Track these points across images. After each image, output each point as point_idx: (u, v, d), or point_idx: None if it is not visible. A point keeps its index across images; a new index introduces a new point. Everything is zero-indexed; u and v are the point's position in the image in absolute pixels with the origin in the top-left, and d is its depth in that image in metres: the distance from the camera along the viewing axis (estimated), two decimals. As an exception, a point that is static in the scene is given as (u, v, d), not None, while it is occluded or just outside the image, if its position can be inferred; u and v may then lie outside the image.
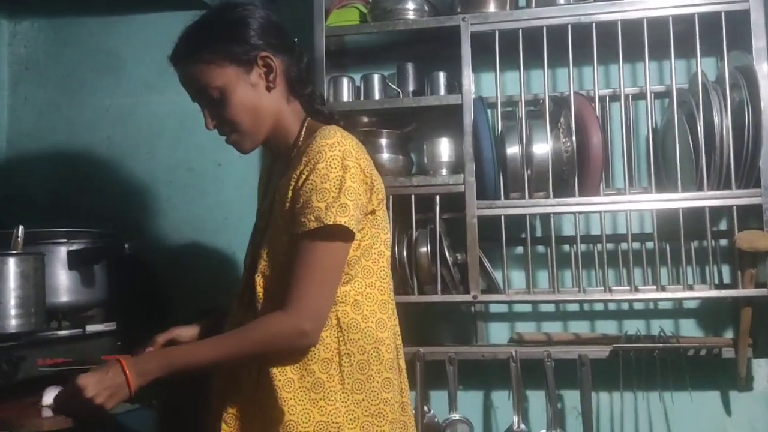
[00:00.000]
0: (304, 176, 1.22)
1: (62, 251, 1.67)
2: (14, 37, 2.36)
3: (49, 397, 1.26)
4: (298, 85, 1.36)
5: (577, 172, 1.81)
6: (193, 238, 2.21)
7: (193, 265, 2.19)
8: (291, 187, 1.24)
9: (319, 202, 1.20)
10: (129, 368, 1.19)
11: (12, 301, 1.44)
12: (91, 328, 1.66)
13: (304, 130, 1.34)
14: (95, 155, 2.26)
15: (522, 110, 1.84)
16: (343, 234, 1.22)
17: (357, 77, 2.04)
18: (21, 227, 1.52)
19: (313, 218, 1.19)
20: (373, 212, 1.30)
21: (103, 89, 2.28)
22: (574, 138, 1.79)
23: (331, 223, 1.19)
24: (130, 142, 2.25)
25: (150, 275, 2.07)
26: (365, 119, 2.04)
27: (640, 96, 1.95)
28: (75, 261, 1.66)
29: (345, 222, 1.19)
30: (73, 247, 1.67)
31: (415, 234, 1.87)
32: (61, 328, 1.64)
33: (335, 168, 1.21)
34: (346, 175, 1.21)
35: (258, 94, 1.30)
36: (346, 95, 1.99)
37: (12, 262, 1.46)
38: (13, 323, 1.44)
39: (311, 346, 1.22)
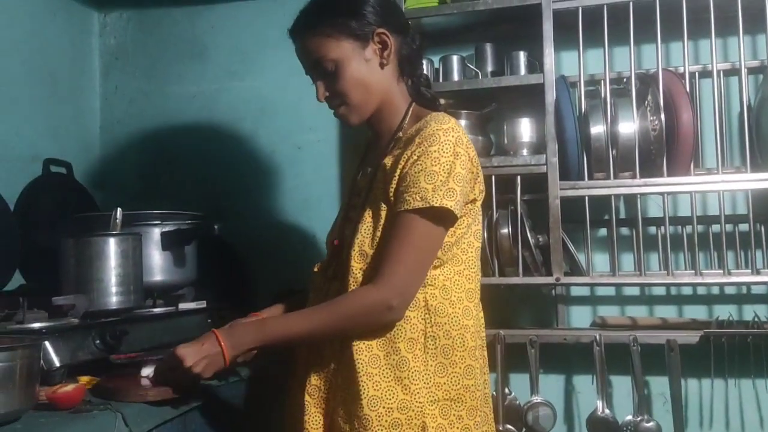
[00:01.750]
0: (414, 157, 1.23)
1: (156, 232, 1.73)
2: (104, 28, 2.46)
3: (147, 369, 1.32)
4: (409, 66, 1.38)
5: (666, 151, 1.75)
6: (275, 219, 2.27)
7: (275, 245, 2.24)
8: (400, 167, 1.25)
9: (427, 183, 1.21)
10: (224, 340, 1.24)
11: (113, 279, 1.52)
12: (183, 306, 1.73)
13: (410, 113, 1.35)
14: (182, 140, 2.34)
15: (606, 88, 1.80)
16: (446, 217, 1.23)
17: (435, 59, 2.03)
18: (119, 209, 1.59)
19: (419, 198, 1.20)
20: (473, 202, 1.31)
21: (188, 77, 2.36)
22: (662, 116, 1.73)
23: (437, 205, 1.20)
24: (214, 127, 2.32)
25: (235, 256, 2.14)
26: (443, 101, 2.01)
27: (732, 72, 1.87)
28: (168, 242, 1.73)
29: (451, 206, 1.20)
30: (167, 229, 1.74)
31: (495, 215, 1.86)
32: (156, 306, 1.70)
33: (447, 153, 1.22)
34: (456, 161, 1.22)
35: (371, 70, 1.32)
36: (425, 77, 1.98)
37: (112, 242, 1.53)
38: (114, 300, 1.52)
39: (396, 321, 1.24)
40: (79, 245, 1.53)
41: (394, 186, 1.25)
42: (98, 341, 1.37)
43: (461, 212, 1.25)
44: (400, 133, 1.33)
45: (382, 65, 1.33)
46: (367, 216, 1.29)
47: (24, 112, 2.09)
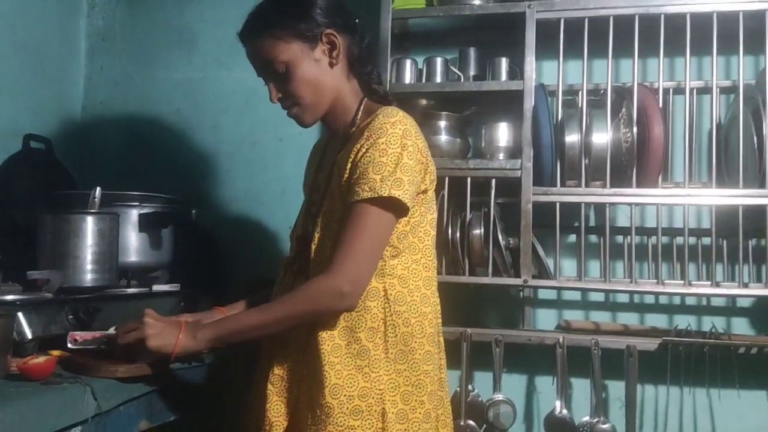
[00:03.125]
0: (364, 150, 1.28)
1: (134, 214, 1.75)
2: (92, 9, 2.46)
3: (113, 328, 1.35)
4: (359, 64, 1.42)
5: (636, 163, 1.81)
6: (252, 209, 2.29)
7: (251, 234, 2.27)
8: (351, 160, 1.29)
9: (375, 174, 1.25)
10: (183, 334, 1.26)
11: (89, 257, 1.54)
12: (157, 287, 1.75)
13: (362, 109, 1.40)
14: (164, 126, 2.35)
15: (584, 97, 1.85)
16: (396, 207, 1.27)
17: (420, 60, 2.07)
18: (98, 188, 1.61)
19: (367, 188, 1.24)
20: (425, 192, 1.35)
21: (174, 63, 2.37)
22: (635, 129, 1.79)
23: (385, 194, 1.24)
24: (198, 115, 2.34)
25: (211, 242, 2.16)
26: (425, 101, 2.07)
27: (705, 90, 1.93)
28: (145, 224, 1.75)
29: (399, 195, 1.24)
30: (145, 211, 1.76)
31: (469, 216, 1.91)
32: (130, 286, 1.72)
33: (394, 144, 1.26)
34: (404, 152, 1.26)
35: (321, 70, 1.36)
36: (408, 77, 2.02)
37: (90, 221, 1.55)
38: (89, 277, 1.54)
39: (350, 309, 1.27)
40: (56, 222, 1.55)
41: (346, 178, 1.29)
42: (71, 316, 1.39)
43: (412, 202, 1.29)
44: (353, 129, 1.37)
45: (331, 65, 1.37)
46: (326, 211, 1.34)
47: (6, 87, 2.09)
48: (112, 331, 1.34)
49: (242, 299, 1.57)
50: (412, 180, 1.27)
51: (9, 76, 2.10)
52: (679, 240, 1.87)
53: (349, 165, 1.30)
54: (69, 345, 1.34)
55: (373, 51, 1.54)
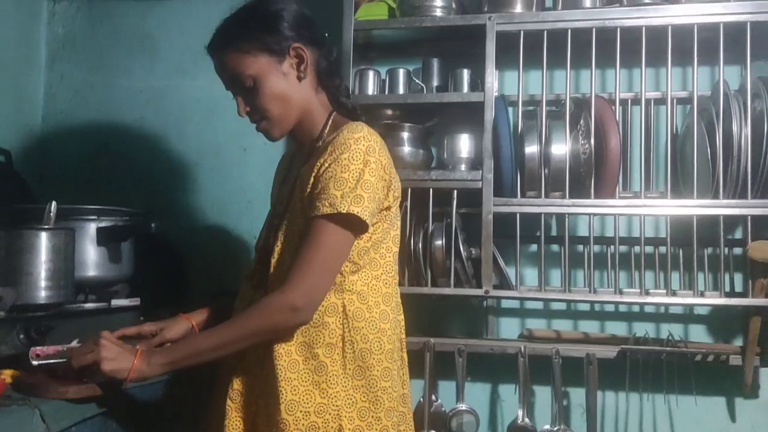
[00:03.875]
0: (326, 165, 1.27)
1: (92, 228, 1.73)
2: (53, 16, 2.43)
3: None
4: (327, 77, 1.42)
5: (594, 174, 1.83)
6: (217, 220, 2.28)
7: (215, 246, 2.25)
8: (313, 174, 1.29)
9: (335, 190, 1.25)
10: (138, 360, 1.24)
11: (43, 273, 1.51)
12: (116, 302, 1.73)
13: (330, 123, 1.39)
14: (127, 135, 2.33)
15: (543, 110, 1.87)
16: (355, 224, 1.27)
17: (383, 71, 2.07)
18: (54, 203, 1.58)
19: (327, 204, 1.24)
20: (388, 208, 1.35)
21: (136, 71, 2.35)
22: (592, 140, 1.81)
23: (344, 211, 1.24)
24: (161, 124, 2.32)
25: (173, 254, 2.15)
26: (389, 112, 2.08)
27: (661, 101, 1.96)
28: (104, 237, 1.73)
29: (358, 212, 1.24)
30: (102, 224, 1.73)
31: (431, 227, 1.91)
32: (88, 302, 1.70)
33: (357, 161, 1.26)
34: (366, 168, 1.26)
35: (288, 84, 1.36)
36: (371, 88, 2.03)
37: (44, 237, 1.52)
38: (42, 294, 1.51)
39: (304, 323, 1.27)
40: (9, 237, 1.52)
41: (308, 192, 1.29)
42: (22, 335, 1.37)
43: (372, 219, 1.29)
44: (320, 143, 1.37)
45: (299, 78, 1.37)
46: (288, 224, 1.33)
47: (-37, 97, 2.06)
48: (74, 344, 1.32)
49: (206, 306, 1.56)
50: (373, 197, 1.27)
51: (-35, 86, 2.07)
52: (637, 249, 1.89)
53: (311, 179, 1.30)
54: (32, 361, 1.32)
55: (340, 64, 1.53)
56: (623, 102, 1.95)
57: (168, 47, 2.34)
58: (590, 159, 1.82)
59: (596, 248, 1.92)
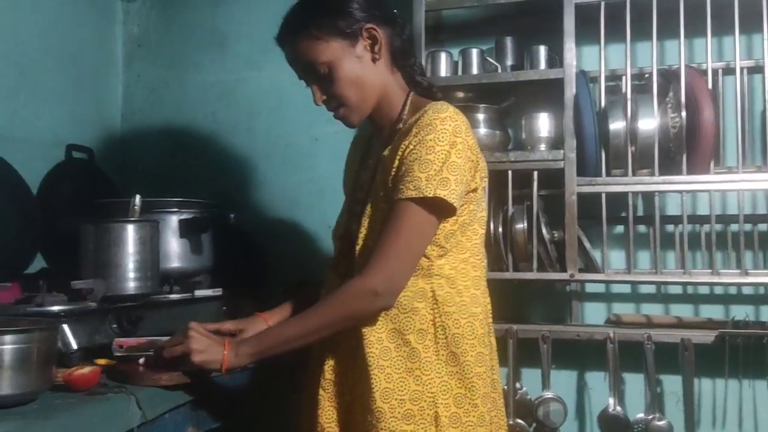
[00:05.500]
0: (411, 146, 1.23)
1: (174, 220, 1.75)
2: (127, 15, 2.48)
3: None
4: (401, 56, 1.37)
5: (686, 149, 1.73)
6: (290, 210, 2.28)
7: (290, 236, 2.26)
8: (397, 157, 1.25)
9: (420, 172, 1.21)
10: (227, 350, 1.24)
11: (130, 265, 1.54)
12: (199, 293, 1.74)
13: (408, 103, 1.35)
14: (200, 130, 2.36)
15: (627, 84, 1.78)
16: (441, 207, 1.23)
17: (455, 52, 2.02)
18: (138, 196, 1.61)
19: (412, 187, 1.20)
20: (475, 190, 1.30)
21: (207, 66, 2.37)
22: (683, 113, 1.72)
23: (430, 195, 1.20)
24: (232, 117, 2.34)
25: (250, 244, 2.16)
26: (461, 94, 2.03)
27: (756, 69, 1.84)
28: (185, 229, 1.75)
29: (445, 195, 1.20)
30: (184, 216, 1.76)
31: (511, 210, 1.86)
32: (172, 292, 1.72)
33: (443, 142, 1.22)
34: (452, 150, 1.22)
35: (363, 67, 1.32)
36: (444, 70, 1.98)
37: (131, 229, 1.55)
38: (131, 285, 1.54)
39: (386, 308, 1.24)
40: (98, 231, 1.55)
41: (392, 175, 1.26)
42: (115, 325, 1.40)
43: (459, 201, 1.24)
44: (400, 125, 1.33)
45: (374, 60, 1.33)
46: (371, 210, 1.30)
47: (47, 98, 2.12)
48: (158, 339, 1.34)
49: (285, 302, 1.54)
50: (460, 179, 1.22)
51: (49, 86, 2.13)
52: (734, 227, 1.78)
53: (396, 162, 1.26)
54: (115, 353, 1.35)
55: (414, 42, 1.48)
56: (714, 72, 1.83)
57: (237, 41, 2.35)
58: (681, 133, 1.73)
59: (688, 228, 1.82)
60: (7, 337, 1.05)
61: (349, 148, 1.58)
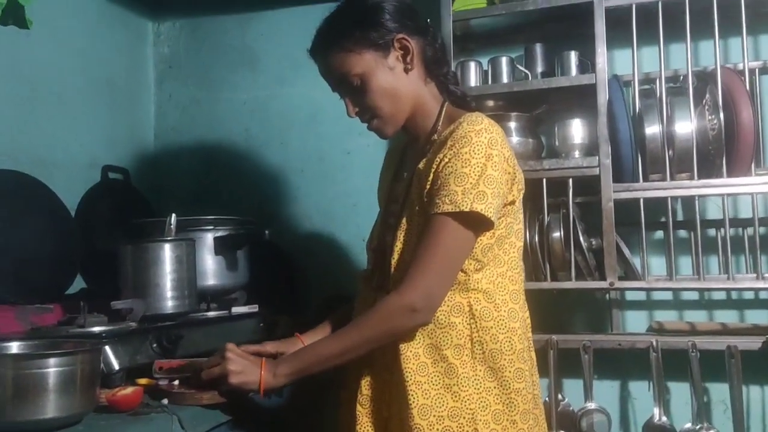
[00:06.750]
0: (446, 159, 1.22)
1: (209, 237, 1.76)
2: (158, 37, 2.52)
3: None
4: (434, 66, 1.36)
5: (725, 151, 1.69)
6: (324, 224, 2.28)
7: (323, 250, 2.26)
8: (433, 170, 1.24)
9: (456, 186, 1.19)
10: (264, 370, 1.25)
11: (168, 284, 1.55)
12: (236, 309, 1.75)
13: (443, 114, 1.34)
14: (233, 147, 2.38)
15: (662, 87, 1.74)
16: (478, 221, 1.21)
17: (484, 61, 2.01)
18: (173, 215, 1.63)
19: (448, 201, 1.19)
20: (512, 203, 1.28)
21: (239, 84, 2.39)
22: (721, 115, 1.68)
23: (467, 209, 1.18)
24: (265, 133, 2.35)
25: (285, 260, 2.17)
26: (492, 103, 2.01)
27: (795, 67, 1.79)
28: (221, 247, 1.76)
29: (482, 209, 1.18)
30: (219, 234, 1.77)
31: (547, 219, 1.83)
32: (210, 310, 1.73)
33: (479, 155, 1.20)
34: (488, 163, 1.20)
35: (396, 78, 1.31)
36: (473, 79, 1.97)
37: (168, 248, 1.57)
38: (169, 304, 1.56)
39: (424, 324, 1.23)
40: (136, 251, 1.57)
41: (427, 189, 1.24)
42: (155, 345, 1.40)
43: (497, 215, 1.22)
44: (435, 136, 1.31)
45: (406, 70, 1.32)
46: (406, 222, 1.29)
47: (83, 120, 2.16)
48: (197, 360, 1.34)
49: (323, 321, 1.52)
50: (497, 192, 1.21)
51: (85, 109, 2.17)
52: (779, 230, 1.74)
53: (431, 175, 1.24)
54: (155, 374, 1.35)
55: (447, 51, 1.47)
56: (751, 72, 1.79)
57: (268, 58, 2.37)
58: (720, 135, 1.68)
59: (730, 231, 1.77)
60: (52, 360, 1.06)
61: (384, 159, 1.58)
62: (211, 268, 1.78)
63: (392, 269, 1.29)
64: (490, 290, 1.26)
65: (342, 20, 1.33)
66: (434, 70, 1.36)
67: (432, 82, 1.37)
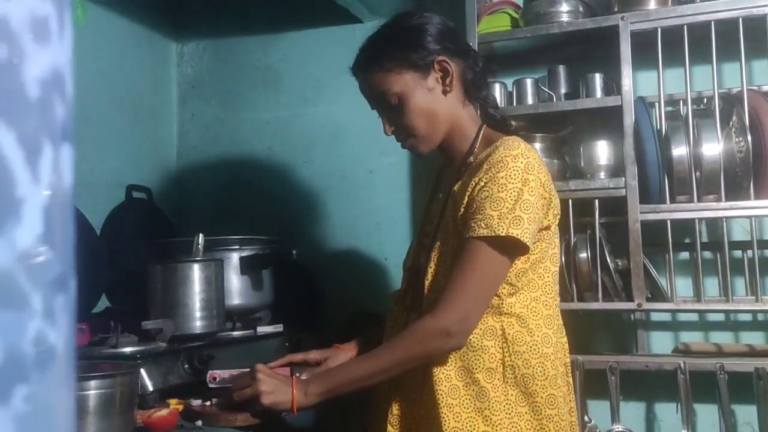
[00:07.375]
0: (482, 183, 1.23)
1: (235, 257, 1.77)
2: (182, 58, 2.55)
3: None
4: (474, 89, 1.37)
5: (753, 173, 1.69)
6: (347, 243, 2.29)
7: (347, 269, 2.26)
8: (468, 193, 1.25)
9: (492, 210, 1.19)
10: (296, 388, 1.25)
11: (197, 304, 1.56)
12: (261, 329, 1.75)
13: (480, 137, 1.35)
14: (256, 166, 2.40)
15: (689, 109, 1.75)
16: (514, 246, 1.21)
17: (508, 82, 2.02)
18: (201, 235, 1.64)
19: (483, 225, 1.19)
20: (548, 228, 1.29)
21: (262, 104, 2.41)
22: (749, 137, 1.68)
23: (503, 234, 1.18)
24: (288, 152, 2.37)
25: (309, 279, 2.17)
26: (516, 123, 2.01)
27: (821, 89, 1.79)
28: (246, 266, 1.76)
29: (518, 234, 1.18)
30: (245, 253, 1.78)
31: (573, 239, 1.83)
32: (235, 329, 1.74)
33: (515, 179, 1.21)
34: (525, 188, 1.20)
35: (434, 99, 1.32)
36: (499, 100, 1.97)
37: (196, 268, 1.57)
38: (198, 324, 1.56)
39: (458, 348, 1.23)
40: (165, 271, 1.58)
41: (462, 212, 1.25)
42: (186, 365, 1.41)
43: (533, 240, 1.22)
44: (471, 158, 1.32)
45: (445, 92, 1.33)
46: (440, 244, 1.29)
47: (109, 141, 2.18)
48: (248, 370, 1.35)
49: (358, 336, 1.54)
50: (533, 217, 1.21)
51: (110, 129, 2.19)
52: (807, 252, 1.73)
53: (466, 198, 1.25)
54: (209, 384, 1.36)
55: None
56: (776, 93, 1.80)
57: (290, 78, 2.39)
58: (747, 157, 1.69)
59: (758, 253, 1.77)
60: (92, 383, 1.06)
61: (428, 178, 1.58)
62: (236, 288, 1.78)
63: (426, 290, 1.29)
64: (524, 315, 1.26)
65: (384, 40, 1.35)
66: (474, 93, 1.37)
67: (471, 105, 1.38)
